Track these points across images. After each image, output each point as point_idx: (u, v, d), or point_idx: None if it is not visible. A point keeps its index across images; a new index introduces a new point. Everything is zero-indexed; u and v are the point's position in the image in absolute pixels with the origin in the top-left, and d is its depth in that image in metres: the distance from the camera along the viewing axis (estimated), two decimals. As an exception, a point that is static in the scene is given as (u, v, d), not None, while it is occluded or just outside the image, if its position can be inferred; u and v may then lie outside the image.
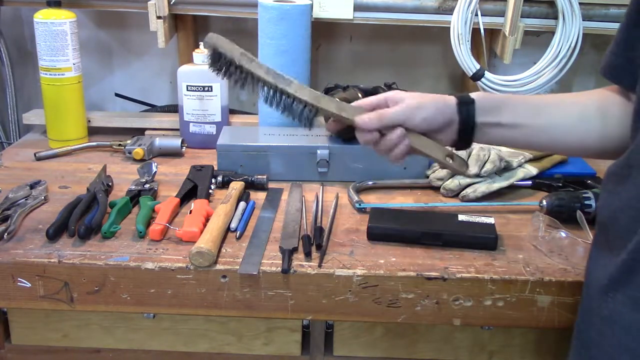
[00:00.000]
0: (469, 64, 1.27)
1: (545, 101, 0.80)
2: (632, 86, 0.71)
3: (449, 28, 1.27)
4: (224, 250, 0.90)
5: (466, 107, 0.77)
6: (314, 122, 0.84)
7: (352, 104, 0.83)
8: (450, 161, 0.82)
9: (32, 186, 1.05)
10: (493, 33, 1.35)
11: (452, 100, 0.79)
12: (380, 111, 0.78)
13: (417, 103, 0.78)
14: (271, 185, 1.12)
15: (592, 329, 0.71)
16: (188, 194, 1.05)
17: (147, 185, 1.07)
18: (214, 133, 1.29)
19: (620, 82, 0.76)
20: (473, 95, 0.79)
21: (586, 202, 0.99)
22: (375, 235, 0.94)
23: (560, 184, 1.12)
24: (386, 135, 0.79)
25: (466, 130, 0.78)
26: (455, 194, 1.09)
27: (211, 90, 1.27)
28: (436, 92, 1.53)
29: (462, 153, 1.09)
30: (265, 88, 0.82)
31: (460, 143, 0.81)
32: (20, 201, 1.00)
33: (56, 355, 0.98)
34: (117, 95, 1.51)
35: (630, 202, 0.65)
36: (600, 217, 0.74)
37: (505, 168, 1.11)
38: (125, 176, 1.14)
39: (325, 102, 0.82)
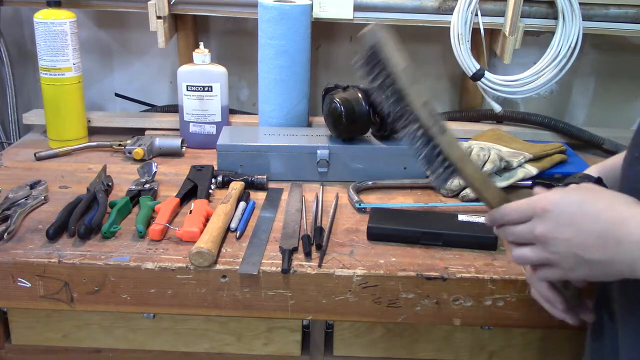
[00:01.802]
0: (469, 64, 1.27)
1: None
2: None
3: (449, 28, 1.27)
4: (224, 250, 0.90)
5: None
6: (446, 182, 0.72)
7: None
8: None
9: (32, 186, 1.05)
10: (493, 33, 1.35)
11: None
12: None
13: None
14: (271, 185, 1.12)
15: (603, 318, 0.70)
16: (188, 194, 1.05)
17: (147, 185, 1.07)
18: (214, 133, 1.29)
19: None
20: (594, 173, 0.74)
21: (586, 202, 0.99)
22: (375, 235, 0.94)
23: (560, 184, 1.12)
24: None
25: None
26: (455, 194, 1.09)
27: (211, 90, 1.27)
28: (436, 91, 1.54)
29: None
30: (414, 122, 0.68)
31: None
32: (20, 201, 1.00)
33: (56, 355, 0.98)
34: (117, 95, 1.51)
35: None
36: None
37: (505, 168, 1.11)
38: (125, 176, 1.14)
39: (470, 171, 0.70)
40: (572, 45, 1.26)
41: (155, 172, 1.14)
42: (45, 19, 1.20)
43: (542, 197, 0.64)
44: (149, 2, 1.24)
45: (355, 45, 1.47)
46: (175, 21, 1.37)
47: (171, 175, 1.17)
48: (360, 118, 1.11)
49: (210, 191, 1.07)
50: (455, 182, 1.08)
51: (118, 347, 0.98)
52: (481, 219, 0.96)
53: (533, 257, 0.65)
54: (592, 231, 0.60)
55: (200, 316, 0.94)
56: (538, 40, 1.39)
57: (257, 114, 1.35)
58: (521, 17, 1.25)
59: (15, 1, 1.37)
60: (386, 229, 0.94)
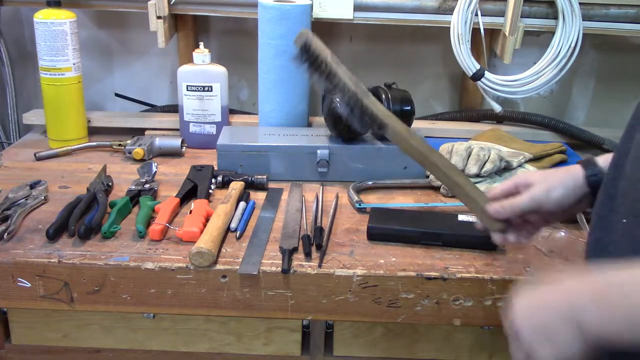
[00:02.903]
0: (469, 64, 1.27)
1: None
2: None
3: (449, 28, 1.27)
4: (224, 250, 0.90)
5: (592, 169, 0.75)
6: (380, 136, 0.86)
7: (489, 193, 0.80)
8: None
9: (32, 186, 1.05)
10: (493, 33, 1.35)
11: (578, 173, 0.76)
12: (512, 200, 0.76)
13: (546, 187, 0.75)
14: (271, 185, 1.12)
15: None
16: (188, 194, 1.05)
17: (147, 185, 1.07)
18: (214, 133, 1.29)
19: None
20: (598, 160, 0.76)
21: (586, 202, 0.99)
22: (375, 235, 0.94)
23: (560, 184, 1.11)
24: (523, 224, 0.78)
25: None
26: (455, 194, 1.09)
27: (211, 90, 1.27)
28: (436, 91, 1.54)
29: (463, 152, 1.09)
30: (345, 92, 0.84)
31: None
32: (20, 201, 1.00)
33: (56, 355, 0.98)
34: (117, 95, 1.51)
35: None
36: None
37: (505, 168, 1.11)
38: (125, 176, 1.14)
39: (396, 123, 0.83)
40: (572, 45, 1.26)
41: (155, 172, 1.14)
42: (45, 19, 1.20)
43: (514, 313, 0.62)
44: (149, 2, 1.24)
45: (355, 45, 1.47)
46: (175, 21, 1.37)
47: (171, 175, 1.17)
48: (360, 118, 1.12)
49: (210, 191, 1.07)
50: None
51: (118, 347, 0.98)
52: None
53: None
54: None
55: (200, 316, 0.94)
56: (538, 40, 1.39)
57: (257, 114, 1.35)
58: (521, 17, 1.25)
59: (15, 1, 1.37)
60: (386, 229, 0.94)
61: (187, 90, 1.27)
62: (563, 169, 0.78)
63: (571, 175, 0.75)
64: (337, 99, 0.88)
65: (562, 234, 0.92)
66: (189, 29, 1.39)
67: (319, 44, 0.84)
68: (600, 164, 0.75)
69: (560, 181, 0.75)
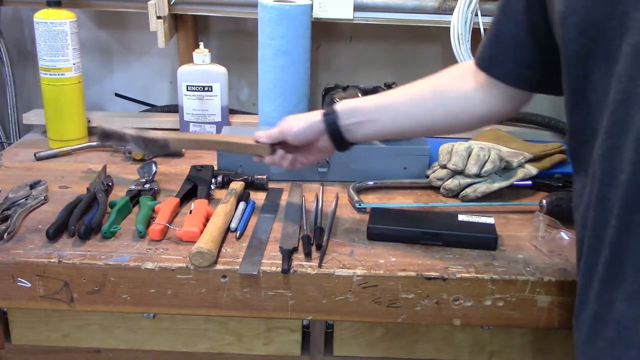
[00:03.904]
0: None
1: (391, 97, 0.90)
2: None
3: (449, 28, 1.27)
4: (224, 250, 0.90)
5: (329, 116, 0.89)
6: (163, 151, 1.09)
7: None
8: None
9: (32, 186, 1.05)
10: (493, 33, 1.35)
11: (319, 112, 0.91)
12: (267, 131, 0.95)
13: (290, 121, 0.93)
14: (271, 185, 1.12)
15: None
16: (188, 194, 1.05)
17: (147, 185, 1.07)
18: (214, 133, 1.29)
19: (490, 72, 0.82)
20: (337, 105, 0.90)
21: (586, 202, 0.99)
22: (375, 235, 0.94)
23: (560, 184, 1.12)
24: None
25: (335, 134, 0.89)
26: (455, 194, 1.09)
27: (211, 90, 1.27)
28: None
29: (463, 152, 1.09)
30: (135, 138, 1.05)
31: (339, 146, 0.91)
32: (20, 201, 1.00)
33: (56, 355, 0.98)
34: (117, 95, 1.51)
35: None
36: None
37: (505, 168, 1.11)
38: (125, 176, 1.14)
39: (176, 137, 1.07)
40: (572, 45, 1.26)
41: (155, 172, 1.14)
42: (45, 19, 1.20)
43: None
44: (149, 2, 1.24)
45: (355, 45, 1.47)
46: (175, 21, 1.37)
47: (171, 175, 1.17)
48: (360, 118, 1.12)
49: (210, 191, 1.07)
50: (455, 182, 1.08)
51: (118, 347, 0.98)
52: (481, 219, 0.96)
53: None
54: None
55: (200, 316, 0.94)
56: (538, 40, 1.38)
57: (257, 114, 1.35)
58: (521, 17, 1.25)
59: (15, 1, 1.37)
60: (386, 229, 0.94)
61: (187, 90, 1.27)
62: (313, 112, 0.93)
63: (314, 114, 0.92)
64: (134, 146, 1.08)
65: (563, 234, 0.92)
66: (189, 29, 1.39)
67: (109, 126, 1.08)
68: (338, 107, 0.90)
69: (304, 117, 0.92)
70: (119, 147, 1.20)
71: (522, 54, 0.78)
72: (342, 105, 0.90)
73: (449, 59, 1.35)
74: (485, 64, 0.82)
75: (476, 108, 0.85)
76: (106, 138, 1.08)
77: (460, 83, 0.86)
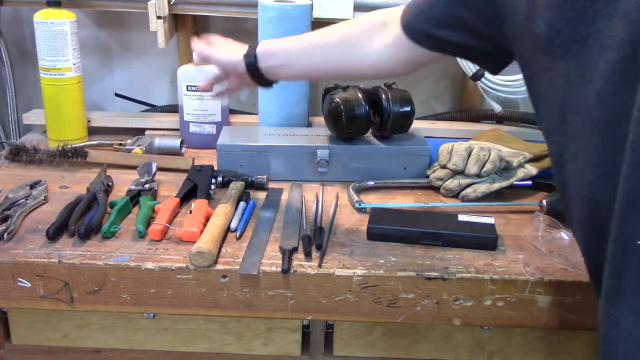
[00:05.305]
0: (469, 64, 1.27)
1: (304, 42, 0.95)
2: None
3: (449, 28, 1.26)
4: (224, 250, 0.90)
5: (249, 58, 0.95)
6: None
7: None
8: None
9: (32, 186, 1.05)
10: (493, 33, 1.35)
11: (241, 52, 0.97)
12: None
13: (218, 47, 1.00)
14: (271, 185, 1.12)
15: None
16: (188, 194, 1.05)
17: (147, 185, 1.07)
18: (214, 133, 1.29)
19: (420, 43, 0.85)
20: (258, 47, 0.96)
21: (586, 202, 0.99)
22: (375, 235, 0.94)
23: (560, 184, 1.11)
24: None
25: (254, 74, 0.96)
26: (455, 194, 1.09)
27: (211, 90, 1.27)
28: (437, 92, 1.54)
29: (463, 153, 1.09)
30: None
31: (260, 84, 0.98)
32: (20, 201, 1.00)
33: (56, 355, 0.98)
34: (117, 95, 1.51)
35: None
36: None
37: (505, 168, 1.11)
38: (125, 176, 1.14)
39: None
40: (572, 45, 1.26)
41: (155, 172, 1.14)
42: (45, 19, 1.20)
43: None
44: (149, 2, 1.24)
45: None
46: (175, 21, 1.37)
47: (171, 175, 1.17)
48: (360, 118, 1.12)
49: (210, 191, 1.07)
50: (455, 182, 1.08)
51: (118, 347, 0.98)
52: (481, 219, 0.96)
53: None
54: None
55: (200, 316, 0.94)
56: (538, 40, 1.38)
57: (257, 114, 1.35)
58: (521, 17, 1.25)
59: (15, 1, 1.37)
60: (386, 229, 0.94)
61: (187, 90, 1.27)
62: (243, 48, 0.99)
63: (237, 49, 0.97)
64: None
65: (563, 234, 0.92)
66: (189, 29, 1.39)
67: None
68: (258, 50, 0.95)
69: (230, 50, 0.98)
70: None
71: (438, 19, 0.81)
72: (261, 48, 0.96)
73: (449, 59, 1.34)
74: (411, 30, 0.85)
75: (378, 64, 0.90)
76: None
77: (370, 38, 0.90)
